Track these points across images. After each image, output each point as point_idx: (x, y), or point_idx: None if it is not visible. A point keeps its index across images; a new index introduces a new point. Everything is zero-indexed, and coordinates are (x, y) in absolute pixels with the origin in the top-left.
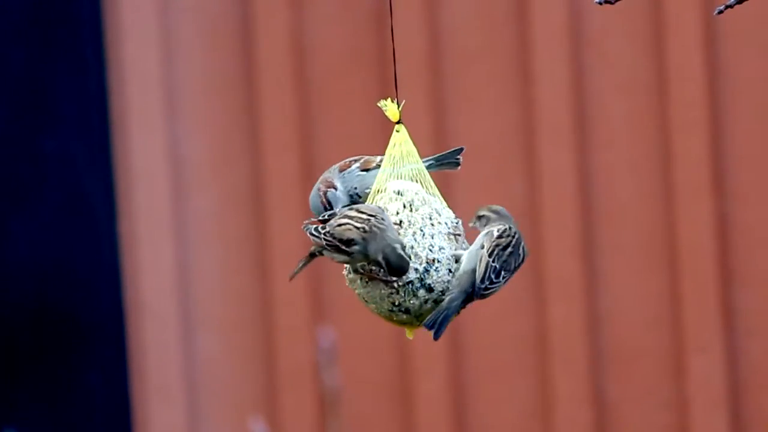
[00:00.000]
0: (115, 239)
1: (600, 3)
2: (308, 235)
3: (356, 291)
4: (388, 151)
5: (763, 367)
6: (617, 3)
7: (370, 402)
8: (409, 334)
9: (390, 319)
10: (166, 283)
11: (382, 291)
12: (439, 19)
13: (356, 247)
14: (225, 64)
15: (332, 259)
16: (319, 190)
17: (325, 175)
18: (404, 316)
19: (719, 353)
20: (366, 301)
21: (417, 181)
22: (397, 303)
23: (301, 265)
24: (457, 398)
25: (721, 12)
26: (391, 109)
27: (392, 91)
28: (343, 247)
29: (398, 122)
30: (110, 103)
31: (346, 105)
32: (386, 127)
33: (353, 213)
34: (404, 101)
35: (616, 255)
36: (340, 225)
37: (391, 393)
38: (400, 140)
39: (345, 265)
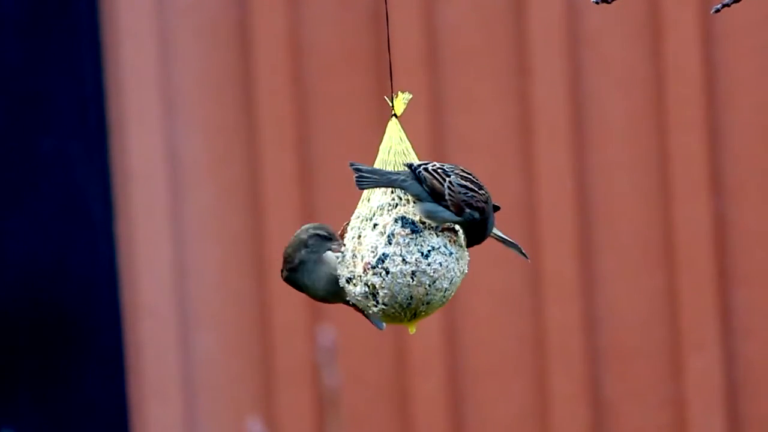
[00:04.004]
0: (113, 239)
1: (597, 2)
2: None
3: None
4: (383, 145)
5: (759, 365)
6: (614, 2)
7: (368, 401)
8: (412, 329)
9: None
10: (164, 283)
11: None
12: (436, 17)
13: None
14: (222, 64)
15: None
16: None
17: None
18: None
19: (716, 352)
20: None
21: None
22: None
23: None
24: (454, 397)
25: (718, 11)
26: (397, 101)
27: (389, 89)
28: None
29: (394, 115)
30: (107, 102)
31: (343, 104)
32: (383, 126)
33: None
34: (405, 101)
35: (613, 254)
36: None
37: (389, 392)
38: (395, 135)
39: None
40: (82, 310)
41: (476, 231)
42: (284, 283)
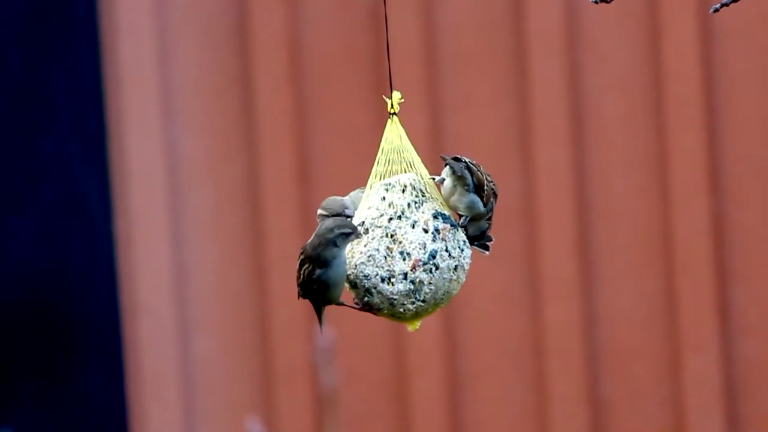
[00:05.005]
0: (111, 238)
1: (596, 2)
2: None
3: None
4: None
5: (758, 365)
6: (613, 2)
7: (366, 400)
8: (413, 327)
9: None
10: (163, 283)
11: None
12: (435, 17)
13: None
14: (221, 63)
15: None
16: None
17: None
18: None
19: (715, 352)
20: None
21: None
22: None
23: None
24: (453, 397)
25: (716, 10)
26: (394, 101)
27: (388, 89)
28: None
29: (393, 113)
30: (106, 102)
31: (342, 103)
32: (382, 126)
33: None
34: (403, 99)
35: (611, 253)
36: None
37: (387, 391)
38: (396, 134)
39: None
40: (81, 310)
41: (487, 219)
42: (283, 283)
